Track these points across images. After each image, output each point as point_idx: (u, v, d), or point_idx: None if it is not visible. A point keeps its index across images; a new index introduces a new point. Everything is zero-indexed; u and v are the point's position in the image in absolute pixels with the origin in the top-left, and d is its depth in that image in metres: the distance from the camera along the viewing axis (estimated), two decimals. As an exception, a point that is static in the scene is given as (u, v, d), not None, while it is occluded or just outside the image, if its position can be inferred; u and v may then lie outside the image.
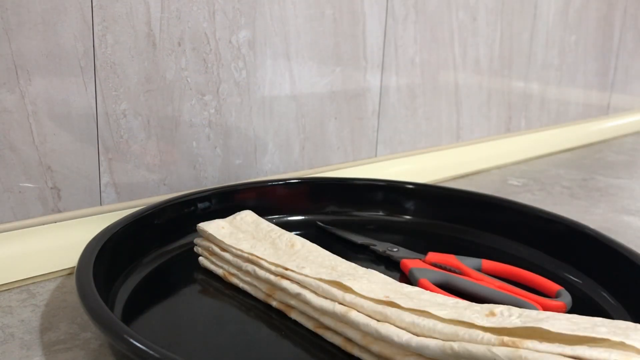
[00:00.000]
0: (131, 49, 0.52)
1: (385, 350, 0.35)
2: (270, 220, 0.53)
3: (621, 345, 0.30)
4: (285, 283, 0.41)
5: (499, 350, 0.30)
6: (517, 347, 0.31)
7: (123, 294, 0.44)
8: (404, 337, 0.34)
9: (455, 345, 0.32)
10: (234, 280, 0.46)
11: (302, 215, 0.61)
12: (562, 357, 0.30)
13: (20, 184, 0.48)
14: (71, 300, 0.46)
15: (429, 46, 0.79)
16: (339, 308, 0.38)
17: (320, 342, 0.39)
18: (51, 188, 0.50)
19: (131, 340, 0.32)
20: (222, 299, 0.45)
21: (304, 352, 0.39)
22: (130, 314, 0.42)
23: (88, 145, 0.51)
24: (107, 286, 0.43)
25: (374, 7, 0.70)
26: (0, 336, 0.40)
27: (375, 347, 0.36)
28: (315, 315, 0.40)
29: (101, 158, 0.52)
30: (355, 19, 0.69)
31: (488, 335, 0.32)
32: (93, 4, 0.49)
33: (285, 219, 0.59)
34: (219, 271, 0.47)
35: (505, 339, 0.31)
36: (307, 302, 0.40)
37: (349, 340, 0.38)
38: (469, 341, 0.32)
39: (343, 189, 0.63)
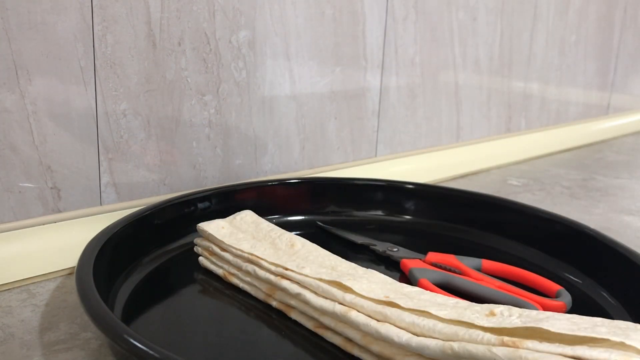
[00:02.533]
0: (131, 49, 0.52)
1: (385, 350, 0.35)
2: (270, 220, 0.53)
3: (621, 346, 0.30)
4: (285, 283, 0.41)
5: (499, 351, 0.31)
6: (517, 347, 0.31)
7: (123, 294, 0.44)
8: (403, 337, 0.34)
9: (456, 346, 0.32)
10: (234, 280, 0.46)
11: (302, 215, 0.61)
12: (562, 357, 0.30)
13: (20, 184, 0.48)
14: (71, 300, 0.46)
15: (429, 46, 0.79)
16: (339, 308, 0.38)
17: (320, 342, 0.39)
18: (51, 188, 0.50)
19: (131, 340, 0.32)
20: (222, 299, 0.45)
21: (304, 352, 0.39)
22: (130, 314, 0.42)
23: (88, 145, 0.51)
24: (107, 286, 0.43)
25: (374, 7, 0.70)
26: (0, 336, 0.40)
27: (375, 347, 0.36)
28: (315, 315, 0.40)
29: (101, 158, 0.52)
30: (355, 19, 0.69)
31: (488, 336, 0.32)
32: (93, 4, 0.49)
33: (285, 219, 0.59)
34: (219, 271, 0.47)
35: (506, 339, 0.31)
36: (307, 302, 0.40)
37: (349, 340, 0.38)
38: (469, 341, 0.32)
39: (343, 189, 0.63)
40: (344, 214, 0.62)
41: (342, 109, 0.71)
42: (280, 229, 0.50)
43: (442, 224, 0.60)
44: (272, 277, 0.43)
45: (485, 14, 0.86)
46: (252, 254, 0.45)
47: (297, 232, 0.51)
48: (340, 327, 0.38)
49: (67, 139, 0.50)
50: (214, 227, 0.49)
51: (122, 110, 0.53)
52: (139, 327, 0.40)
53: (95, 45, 0.50)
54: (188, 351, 0.38)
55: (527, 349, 0.30)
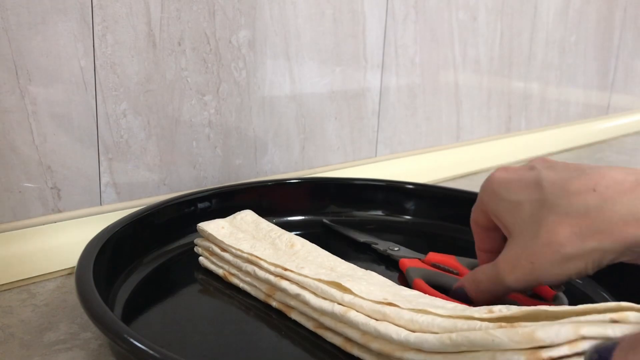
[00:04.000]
0: (131, 49, 0.52)
1: (385, 347, 0.35)
2: (270, 220, 0.53)
3: (618, 307, 0.31)
4: (285, 284, 0.41)
5: (498, 331, 0.30)
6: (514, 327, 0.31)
7: (123, 294, 0.44)
8: (402, 333, 0.34)
9: (454, 335, 0.32)
10: (234, 281, 0.46)
11: (302, 215, 0.61)
12: (570, 324, 0.30)
13: (20, 184, 0.48)
14: (71, 300, 0.46)
15: (429, 46, 0.79)
16: (337, 308, 0.38)
17: (320, 342, 0.39)
18: (51, 188, 0.50)
19: (131, 340, 0.32)
20: (222, 299, 0.45)
21: (303, 352, 0.39)
22: (130, 314, 0.42)
23: (88, 145, 0.51)
24: (107, 286, 0.43)
25: (374, 7, 0.70)
26: (0, 336, 0.40)
27: (375, 345, 0.36)
28: (315, 315, 0.40)
29: (101, 158, 0.52)
30: (355, 19, 0.69)
31: (486, 323, 0.32)
32: (93, 4, 0.49)
33: (286, 219, 0.59)
34: (219, 271, 0.47)
35: (503, 324, 0.31)
36: (306, 303, 0.40)
37: (348, 340, 0.38)
38: (467, 331, 0.32)
39: (343, 189, 0.63)
40: (344, 214, 0.62)
41: (342, 109, 0.71)
42: (280, 229, 0.50)
43: (442, 224, 0.60)
44: (271, 278, 0.43)
45: (485, 14, 0.86)
46: (251, 254, 0.45)
47: (297, 232, 0.51)
48: (339, 327, 0.38)
49: (67, 139, 0.50)
50: (213, 227, 0.49)
51: (122, 110, 0.53)
52: (139, 327, 0.40)
53: (95, 45, 0.50)
54: (188, 351, 0.38)
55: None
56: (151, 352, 0.31)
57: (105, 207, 0.53)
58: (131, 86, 0.53)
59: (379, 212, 0.63)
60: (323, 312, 0.39)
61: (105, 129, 0.52)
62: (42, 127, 0.48)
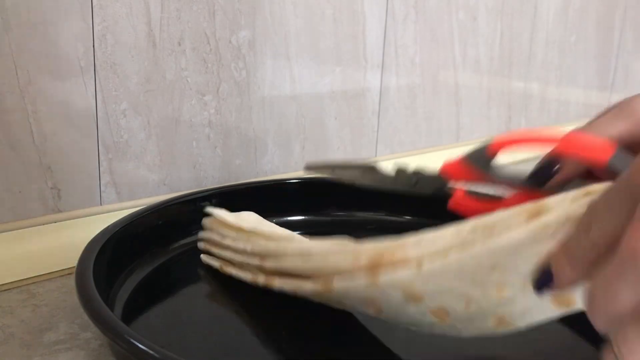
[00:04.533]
0: (131, 49, 0.52)
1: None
2: (270, 220, 0.53)
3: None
4: (272, 244, 0.41)
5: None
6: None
7: (123, 294, 0.44)
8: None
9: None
10: (229, 269, 0.45)
11: (302, 215, 0.61)
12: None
13: (21, 184, 0.48)
14: (71, 300, 0.46)
15: (429, 46, 0.79)
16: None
17: (319, 343, 0.39)
18: (51, 188, 0.50)
19: (131, 340, 0.32)
20: (223, 299, 0.45)
21: (303, 352, 0.39)
22: (130, 314, 0.42)
23: (88, 145, 0.51)
24: (107, 286, 0.43)
25: (374, 7, 0.70)
26: (0, 336, 0.40)
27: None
28: (289, 263, 0.39)
29: (101, 158, 0.52)
30: (355, 19, 0.69)
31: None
32: (93, 4, 0.49)
33: (285, 219, 0.59)
34: (217, 264, 0.47)
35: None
36: (284, 253, 0.39)
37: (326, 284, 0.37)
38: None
39: (343, 189, 0.63)
40: (345, 215, 0.62)
41: (342, 109, 0.71)
42: (282, 228, 0.50)
43: (442, 224, 0.60)
44: (262, 242, 0.42)
45: (485, 14, 0.86)
46: (253, 229, 0.44)
47: (297, 232, 0.51)
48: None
49: (67, 139, 0.50)
50: (220, 211, 0.49)
51: (122, 110, 0.53)
52: (139, 327, 0.40)
53: (95, 45, 0.50)
54: (188, 351, 0.38)
55: None
56: (151, 352, 0.31)
57: (105, 207, 0.53)
58: (131, 86, 0.53)
59: (380, 212, 0.63)
60: (301, 252, 0.38)
61: (105, 129, 0.52)
62: (42, 127, 0.48)
